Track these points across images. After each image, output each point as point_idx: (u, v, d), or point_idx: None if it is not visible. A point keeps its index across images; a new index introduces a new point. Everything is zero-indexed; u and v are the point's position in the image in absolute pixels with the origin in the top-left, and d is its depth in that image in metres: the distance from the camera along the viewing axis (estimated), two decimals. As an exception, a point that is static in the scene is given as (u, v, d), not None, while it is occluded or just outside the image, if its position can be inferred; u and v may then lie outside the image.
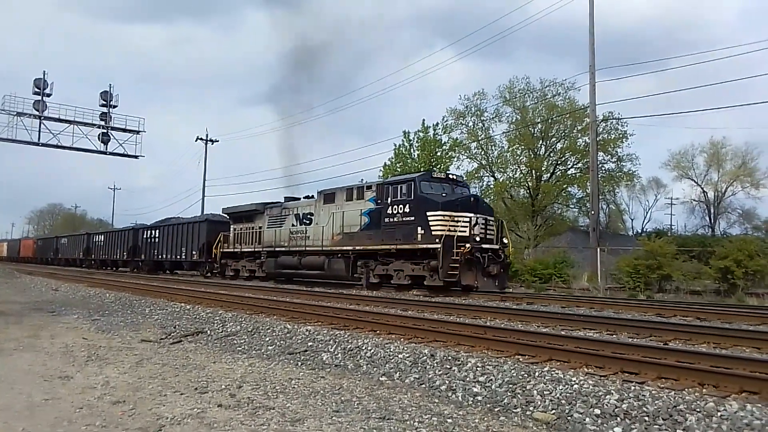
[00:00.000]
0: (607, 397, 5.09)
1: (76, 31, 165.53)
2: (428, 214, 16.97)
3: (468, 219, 17.03)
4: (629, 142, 34.68)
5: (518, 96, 36.59)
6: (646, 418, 4.66)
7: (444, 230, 16.47)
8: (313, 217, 22.20)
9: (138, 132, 31.93)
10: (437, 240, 16.43)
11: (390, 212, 18.35)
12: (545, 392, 5.42)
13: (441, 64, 71.37)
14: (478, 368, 6.28)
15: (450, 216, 16.76)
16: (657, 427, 4.53)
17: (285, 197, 26.10)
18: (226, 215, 29.04)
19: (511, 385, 5.70)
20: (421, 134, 33.81)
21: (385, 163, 34.48)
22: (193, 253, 30.86)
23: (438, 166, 32.85)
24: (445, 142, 34.90)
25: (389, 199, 18.45)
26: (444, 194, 17.98)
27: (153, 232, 36.43)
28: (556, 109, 35.34)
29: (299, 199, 24.95)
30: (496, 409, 5.31)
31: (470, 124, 38.04)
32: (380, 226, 18.62)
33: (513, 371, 6.05)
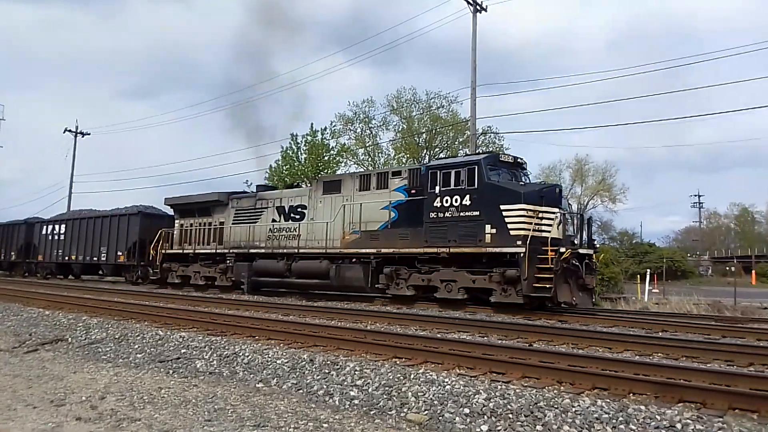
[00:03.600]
0: (476, 396, 5.35)
1: None
2: (503, 207, 13.24)
3: (555, 216, 13.42)
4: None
5: (405, 106, 37.63)
6: (510, 416, 4.95)
7: (527, 230, 12.85)
8: (306, 211, 18.01)
9: (-6, 119, 28.84)
10: (518, 242, 12.82)
11: (438, 205, 14.32)
12: (419, 394, 5.59)
13: (333, 69, 71.28)
14: (356, 372, 6.35)
15: (534, 211, 13.10)
16: (519, 423, 4.83)
17: (258, 186, 22.10)
18: (164, 208, 24.37)
19: (387, 388, 5.82)
20: (309, 138, 33.62)
21: (271, 165, 33.87)
22: (119, 254, 25.26)
23: (325, 171, 32.83)
24: (333, 147, 34.98)
25: (437, 188, 14.39)
26: (521, 183, 14.26)
27: (56, 227, 29.67)
28: (439, 120, 36.70)
29: (277, 188, 20.89)
30: (371, 412, 5.39)
31: (358, 130, 38.49)
32: (421, 222, 14.64)
33: (390, 374, 6.18)
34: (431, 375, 6.06)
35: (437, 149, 38.04)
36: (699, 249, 62.27)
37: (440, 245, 14.14)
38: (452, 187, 14.18)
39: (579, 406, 4.98)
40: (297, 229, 18.00)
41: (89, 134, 46.56)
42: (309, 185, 19.42)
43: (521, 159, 14.83)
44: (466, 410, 5.13)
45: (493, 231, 13.33)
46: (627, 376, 5.85)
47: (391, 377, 6.08)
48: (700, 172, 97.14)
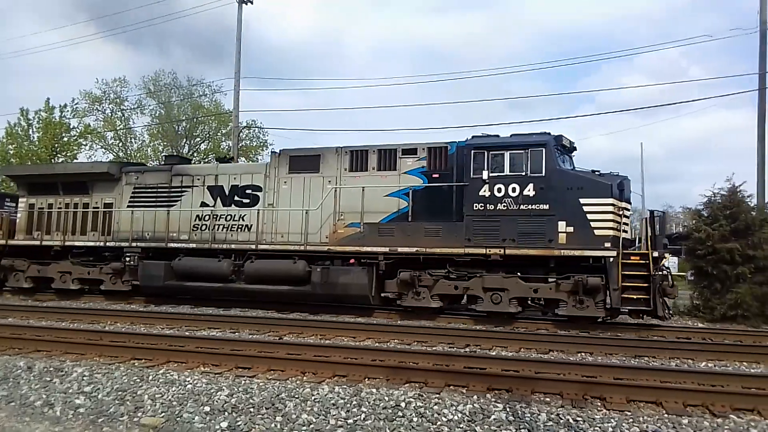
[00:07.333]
0: (218, 393, 5.25)
1: None
2: (584, 201, 10.85)
3: (630, 213, 11.95)
4: (269, 150, 36.78)
5: (164, 90, 35.16)
6: (252, 410, 4.95)
7: (616, 229, 10.76)
8: (261, 194, 13.54)
9: None
10: (607, 244, 10.63)
11: (487, 194, 11.45)
12: (157, 396, 5.27)
13: (80, 39, 62.93)
14: (85, 377, 5.76)
15: (619, 207, 11.01)
16: (260, 416, 4.86)
17: (168, 156, 17.08)
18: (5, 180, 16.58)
19: (120, 392, 5.37)
20: (44, 114, 29.39)
21: (-7, 142, 28.82)
22: None
23: (64, 153, 29.14)
24: (74, 127, 31.11)
25: (484, 173, 11.51)
26: (597, 172, 11.63)
27: None
28: (201, 109, 35.15)
29: (205, 161, 15.86)
30: (100, 420, 4.91)
31: (108, 111, 34.89)
32: (451, 215, 11.76)
33: (125, 377, 5.73)
34: (172, 375, 5.78)
35: (198, 139, 36.47)
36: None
37: (490, 245, 11.36)
38: (507, 172, 11.52)
39: (318, 394, 5.21)
40: (247, 218, 13.57)
41: None
42: (268, 159, 14.89)
43: (575, 143, 12.48)
44: (207, 408, 4.99)
45: (570, 229, 10.94)
46: (364, 363, 6.32)
47: (126, 380, 5.64)
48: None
